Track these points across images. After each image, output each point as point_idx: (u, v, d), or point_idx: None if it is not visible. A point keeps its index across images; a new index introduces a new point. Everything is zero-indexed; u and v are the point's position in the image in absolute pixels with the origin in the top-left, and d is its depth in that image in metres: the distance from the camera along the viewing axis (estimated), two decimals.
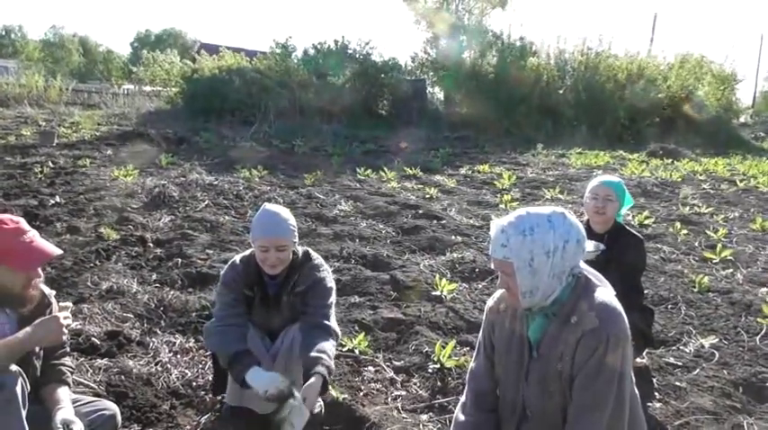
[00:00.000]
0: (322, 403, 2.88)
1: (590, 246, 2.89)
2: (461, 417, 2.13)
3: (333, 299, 2.72)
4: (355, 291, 4.38)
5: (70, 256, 4.61)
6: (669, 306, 4.36)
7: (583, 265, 1.96)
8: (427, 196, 7.93)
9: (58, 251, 2.24)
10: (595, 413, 1.80)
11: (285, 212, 2.66)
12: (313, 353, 2.43)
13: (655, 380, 3.28)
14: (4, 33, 70.06)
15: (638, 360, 3.38)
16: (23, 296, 2.16)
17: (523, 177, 9.99)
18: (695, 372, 3.38)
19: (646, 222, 6.77)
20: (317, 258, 2.77)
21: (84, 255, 4.66)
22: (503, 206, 7.42)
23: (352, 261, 5.05)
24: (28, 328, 2.13)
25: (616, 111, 18.93)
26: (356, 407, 2.87)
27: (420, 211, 6.96)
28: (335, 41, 21.86)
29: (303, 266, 2.70)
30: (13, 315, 2.19)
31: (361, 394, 3.04)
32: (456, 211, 7.15)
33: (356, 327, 3.74)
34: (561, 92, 21.08)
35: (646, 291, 4.27)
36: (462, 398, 2.19)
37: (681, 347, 3.70)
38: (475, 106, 20.87)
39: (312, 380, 2.36)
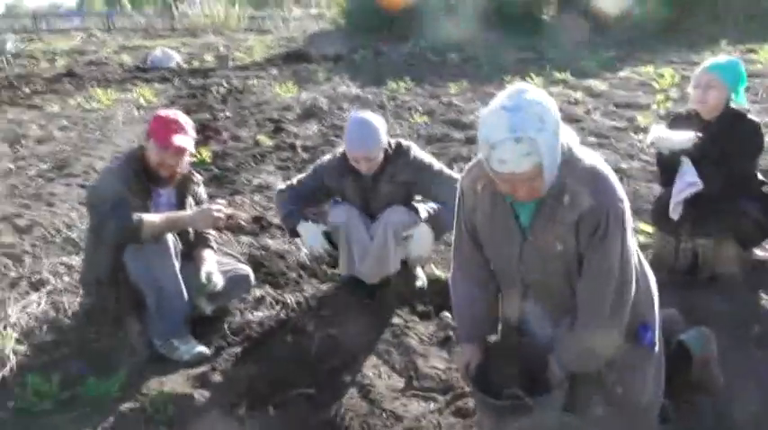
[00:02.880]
0: (425, 279, 3.22)
1: (686, 135, 2.81)
2: (459, 289, 2.15)
3: (436, 163, 3.02)
4: None
5: (231, 160, 5.35)
6: None
7: None
8: (572, 100, 7.66)
9: (186, 146, 2.67)
10: (603, 285, 1.82)
11: (373, 124, 2.83)
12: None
13: None
14: None
15: (759, 253, 3.23)
16: (156, 172, 2.67)
17: (690, 77, 9.10)
18: None
19: None
20: (407, 148, 2.99)
21: (242, 159, 5.38)
22: (655, 106, 6.95)
23: None
24: (190, 212, 2.73)
25: None
26: None
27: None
28: None
29: (398, 160, 2.93)
30: (171, 190, 2.78)
31: None
32: (600, 114, 6.86)
33: None
34: None
35: None
36: (452, 272, 2.18)
37: None
38: (648, 2, 18.90)
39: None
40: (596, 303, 1.86)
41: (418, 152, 3.02)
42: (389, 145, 2.95)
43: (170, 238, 2.60)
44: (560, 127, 1.70)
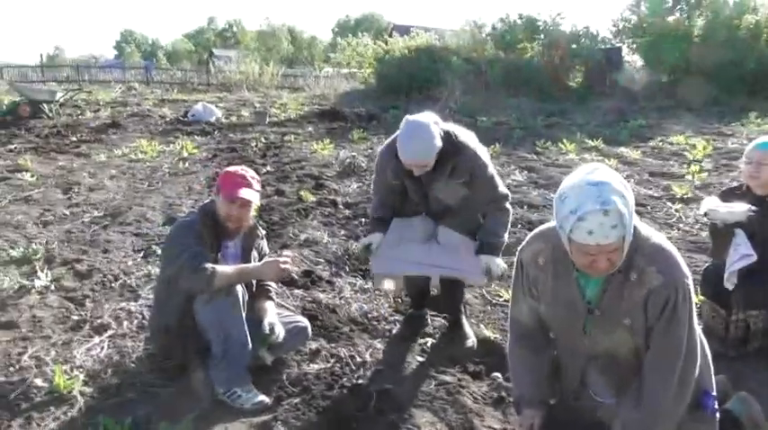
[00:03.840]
0: (475, 339, 3.28)
1: (741, 207, 2.89)
2: (517, 356, 2.24)
3: (491, 170, 3.04)
4: None
5: (277, 214, 5.53)
6: None
7: None
8: None
9: (251, 199, 2.81)
10: (671, 360, 1.89)
11: (428, 130, 2.79)
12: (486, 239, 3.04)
13: None
14: (227, 27, 79.48)
15: None
16: (224, 224, 2.82)
17: (722, 148, 9.24)
18: None
19: None
20: (464, 144, 2.95)
21: (287, 213, 5.55)
22: (689, 177, 7.05)
23: (519, 226, 5.30)
24: (258, 264, 2.86)
25: None
26: (505, 346, 3.21)
27: None
28: (523, 15, 21.52)
29: (455, 156, 2.90)
30: (238, 242, 2.91)
31: None
32: (635, 182, 6.98)
33: None
34: None
35: None
36: (509, 339, 2.29)
37: None
38: (678, 73, 19.29)
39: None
40: (665, 377, 1.92)
41: (476, 149, 2.99)
42: (444, 137, 2.87)
43: (239, 289, 2.71)
44: (634, 203, 1.80)
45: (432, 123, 2.85)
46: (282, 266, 2.77)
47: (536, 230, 2.15)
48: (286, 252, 2.86)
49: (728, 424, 2.16)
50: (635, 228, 1.85)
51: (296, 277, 3.95)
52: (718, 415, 2.06)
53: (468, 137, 3.03)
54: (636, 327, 1.93)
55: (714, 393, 2.07)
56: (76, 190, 6.54)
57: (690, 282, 1.89)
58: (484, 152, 3.05)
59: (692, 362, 1.93)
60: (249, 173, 2.92)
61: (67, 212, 5.64)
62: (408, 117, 2.92)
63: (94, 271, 4.12)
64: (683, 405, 1.96)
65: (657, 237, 1.93)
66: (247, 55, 38.94)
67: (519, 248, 2.16)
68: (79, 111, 14.37)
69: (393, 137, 3.03)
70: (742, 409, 2.25)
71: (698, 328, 1.99)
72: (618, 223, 1.71)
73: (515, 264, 2.16)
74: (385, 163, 3.10)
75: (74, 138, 10.33)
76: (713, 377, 2.10)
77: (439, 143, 2.84)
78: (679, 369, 1.90)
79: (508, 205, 3.11)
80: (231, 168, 2.96)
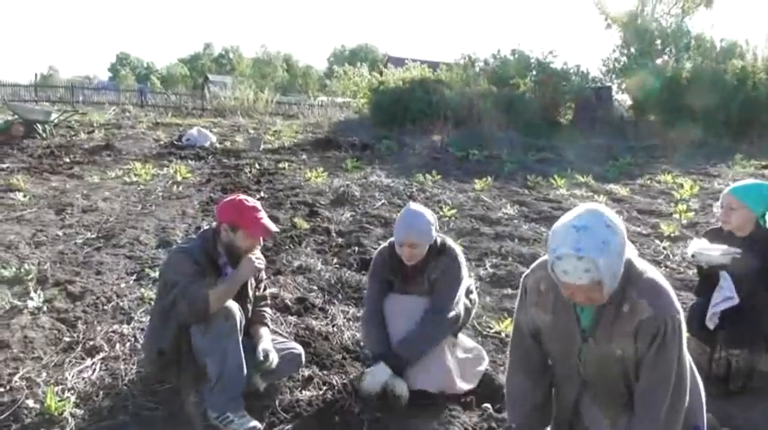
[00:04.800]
0: None
1: (723, 251, 2.98)
2: (514, 381, 2.32)
3: (459, 288, 3.09)
4: (509, 284, 4.72)
5: (270, 240, 5.56)
6: None
7: None
8: None
9: (276, 229, 2.96)
10: (661, 391, 1.95)
11: (425, 216, 3.00)
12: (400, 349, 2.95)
13: None
14: (224, 53, 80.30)
15: None
16: (239, 254, 2.85)
17: (708, 188, 9.42)
18: None
19: None
20: (451, 249, 3.13)
21: (281, 240, 5.59)
22: (676, 216, 7.18)
23: (510, 258, 5.38)
24: (236, 270, 2.82)
25: None
26: (495, 377, 3.26)
27: None
28: (515, 50, 21.95)
29: (439, 255, 3.08)
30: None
31: (502, 368, 3.41)
32: (624, 219, 7.10)
33: (505, 314, 4.10)
34: None
35: None
36: (507, 365, 2.38)
37: None
38: (666, 114, 19.69)
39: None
40: (653, 408, 1.98)
41: (459, 261, 3.12)
42: (436, 241, 3.08)
43: (237, 314, 2.74)
44: (625, 248, 1.89)
45: (430, 213, 3.07)
46: (255, 259, 2.79)
47: (540, 259, 2.24)
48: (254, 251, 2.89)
49: None
50: (629, 262, 1.94)
51: (289, 304, 3.98)
52: None
53: (456, 246, 3.20)
54: (627, 358, 2.00)
55: (704, 428, 2.12)
56: (69, 211, 6.54)
57: (681, 317, 1.96)
58: (464, 269, 3.16)
59: (680, 393, 1.99)
60: (256, 202, 2.93)
61: (60, 233, 5.64)
62: (410, 203, 3.13)
63: (87, 293, 4.12)
64: None
65: (652, 271, 2.01)
66: (242, 81, 39.23)
67: (524, 275, 2.27)
68: (73, 132, 14.39)
69: (388, 243, 3.21)
70: None
71: (689, 363, 2.05)
72: (591, 268, 1.81)
73: (520, 290, 2.27)
74: (382, 265, 3.17)
75: (67, 159, 10.35)
76: (705, 413, 2.16)
77: (434, 232, 3.03)
78: (668, 400, 1.96)
79: (450, 326, 3.06)
80: (237, 201, 2.88)
